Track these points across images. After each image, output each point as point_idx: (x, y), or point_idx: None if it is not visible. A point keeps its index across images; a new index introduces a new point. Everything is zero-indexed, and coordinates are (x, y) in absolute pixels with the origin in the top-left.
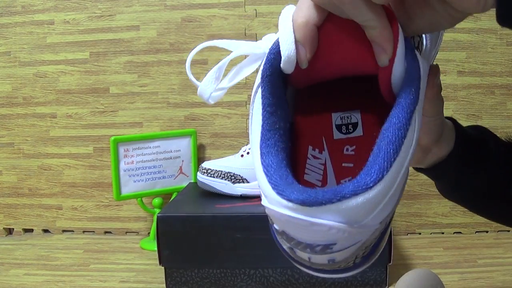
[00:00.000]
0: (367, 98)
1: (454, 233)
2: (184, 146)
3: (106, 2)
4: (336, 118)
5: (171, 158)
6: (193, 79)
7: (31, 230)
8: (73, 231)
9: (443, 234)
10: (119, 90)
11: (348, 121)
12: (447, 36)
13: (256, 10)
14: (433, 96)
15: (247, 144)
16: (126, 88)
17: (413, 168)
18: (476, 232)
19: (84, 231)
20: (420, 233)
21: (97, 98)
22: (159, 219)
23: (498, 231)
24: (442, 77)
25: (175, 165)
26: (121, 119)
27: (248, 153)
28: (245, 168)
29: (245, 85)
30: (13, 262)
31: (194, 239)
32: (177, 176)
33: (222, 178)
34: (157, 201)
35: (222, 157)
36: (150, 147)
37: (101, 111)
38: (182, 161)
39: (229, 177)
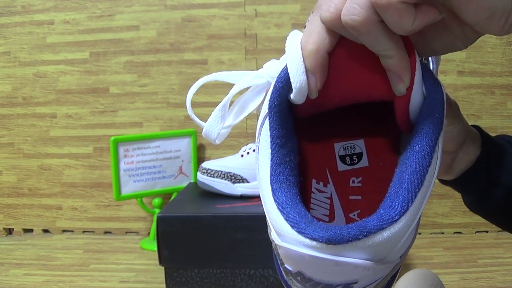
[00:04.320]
0: (370, 126)
1: (454, 233)
2: (184, 146)
3: (106, 2)
4: (339, 148)
5: (171, 158)
6: (197, 120)
7: (31, 230)
8: (73, 231)
9: (443, 234)
10: (119, 90)
11: (352, 151)
12: None
13: (256, 10)
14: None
15: (247, 144)
16: (126, 88)
17: (440, 181)
18: (476, 232)
19: (84, 231)
20: (420, 233)
21: (97, 98)
22: (159, 219)
23: (498, 231)
24: (442, 77)
25: (175, 165)
26: (121, 119)
27: (248, 153)
28: (245, 168)
29: None
30: (13, 262)
31: (194, 239)
32: (177, 176)
33: (222, 178)
34: (157, 201)
35: (222, 157)
36: (150, 147)
37: (101, 111)
38: (182, 161)
39: (229, 177)
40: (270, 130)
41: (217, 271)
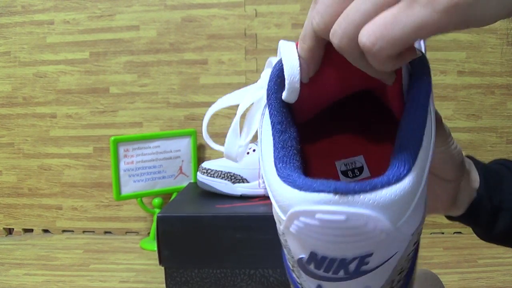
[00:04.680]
0: (368, 140)
1: (454, 233)
2: (184, 146)
3: (106, 2)
4: (340, 165)
5: (171, 158)
6: (216, 146)
7: (31, 230)
8: (73, 231)
9: (443, 234)
10: (119, 90)
11: (353, 166)
12: (447, 36)
13: (256, 10)
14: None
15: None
16: (126, 88)
17: (448, 218)
18: None
19: (84, 231)
20: None
21: (97, 98)
22: (159, 219)
23: None
24: (442, 77)
25: (175, 165)
26: (121, 119)
27: (248, 153)
28: (245, 168)
29: (245, 85)
30: (13, 262)
31: (194, 239)
32: (177, 176)
33: (222, 178)
34: (157, 201)
35: (222, 157)
36: (150, 147)
37: (101, 111)
38: (182, 161)
39: (229, 177)
40: (270, 117)
41: (217, 271)
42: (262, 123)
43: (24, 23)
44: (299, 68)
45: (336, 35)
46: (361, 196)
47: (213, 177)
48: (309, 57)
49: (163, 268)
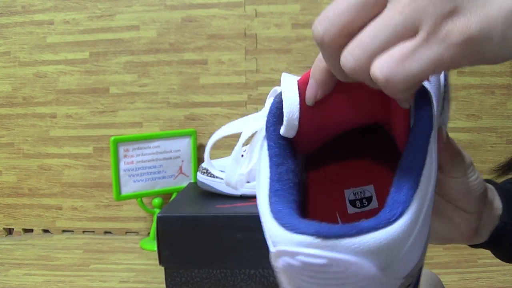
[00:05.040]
0: (379, 170)
1: None
2: (184, 146)
3: (106, 2)
4: (349, 194)
5: (171, 158)
6: (217, 172)
7: (31, 230)
8: (73, 231)
9: None
10: (119, 90)
11: (362, 196)
12: None
13: (256, 10)
14: (445, 150)
15: (247, 144)
16: (126, 88)
17: (470, 245)
18: None
19: (84, 231)
20: None
21: (97, 98)
22: (159, 219)
23: None
24: None
25: (175, 165)
26: (121, 119)
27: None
28: None
29: (245, 85)
30: (13, 262)
31: (194, 239)
32: (177, 176)
33: (222, 178)
34: (157, 201)
35: (222, 157)
36: (150, 147)
37: (101, 111)
38: (182, 161)
39: None
40: (268, 149)
41: (217, 271)
42: (260, 155)
43: (24, 23)
44: (298, 106)
45: (348, 62)
46: (345, 241)
47: (213, 177)
48: (322, 79)
49: (163, 268)
